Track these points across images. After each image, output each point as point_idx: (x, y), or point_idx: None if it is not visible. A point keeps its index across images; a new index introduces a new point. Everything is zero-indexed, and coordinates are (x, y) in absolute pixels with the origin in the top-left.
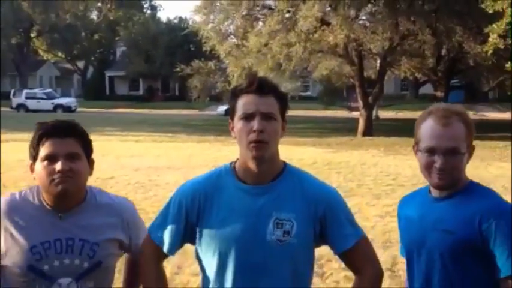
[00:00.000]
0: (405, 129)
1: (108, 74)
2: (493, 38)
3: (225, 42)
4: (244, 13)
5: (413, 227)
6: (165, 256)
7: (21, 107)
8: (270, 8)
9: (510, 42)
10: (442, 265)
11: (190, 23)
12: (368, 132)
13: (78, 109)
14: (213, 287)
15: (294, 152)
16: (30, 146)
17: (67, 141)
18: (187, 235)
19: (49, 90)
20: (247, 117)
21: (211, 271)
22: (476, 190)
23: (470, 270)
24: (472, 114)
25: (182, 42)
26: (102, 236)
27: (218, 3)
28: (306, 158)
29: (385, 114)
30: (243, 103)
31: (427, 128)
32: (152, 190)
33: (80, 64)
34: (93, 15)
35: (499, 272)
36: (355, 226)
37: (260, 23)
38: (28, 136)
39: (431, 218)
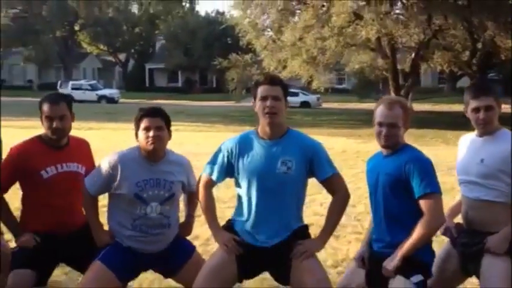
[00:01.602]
0: (438, 121)
1: (148, 66)
2: None
3: (261, 37)
4: (280, 8)
5: (373, 174)
6: (214, 183)
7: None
8: (304, 3)
9: None
10: (386, 194)
11: (228, 16)
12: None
13: (120, 100)
14: (244, 200)
15: (326, 142)
16: (135, 122)
17: (156, 119)
18: (228, 170)
19: (94, 81)
20: (263, 99)
21: (243, 191)
22: (407, 149)
23: (402, 197)
24: (509, 108)
25: (220, 35)
26: (174, 178)
27: None
28: (337, 147)
29: (421, 107)
30: (260, 90)
31: (379, 110)
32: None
33: (121, 56)
34: (134, 9)
35: (415, 195)
36: (332, 165)
37: (295, 18)
38: (74, 124)
39: (381, 167)
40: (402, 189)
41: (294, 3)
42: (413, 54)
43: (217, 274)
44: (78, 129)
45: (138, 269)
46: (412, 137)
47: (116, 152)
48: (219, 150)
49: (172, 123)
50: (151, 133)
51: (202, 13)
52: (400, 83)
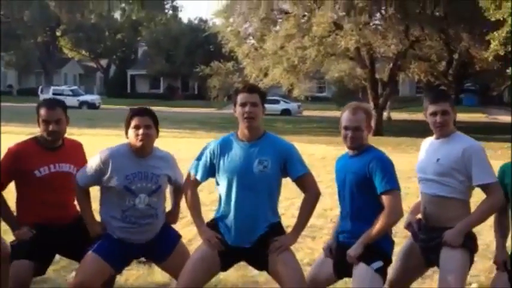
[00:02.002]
0: (415, 130)
1: (130, 72)
2: (494, 45)
3: (243, 45)
4: (261, 17)
5: (341, 173)
6: (199, 183)
7: None
8: (286, 13)
9: (510, 49)
10: (352, 191)
11: (210, 24)
12: (378, 132)
13: (102, 106)
14: (224, 199)
15: (306, 149)
16: (125, 121)
17: (145, 118)
18: (211, 170)
19: (75, 87)
20: (243, 105)
21: (223, 189)
22: (370, 150)
23: (366, 193)
24: (484, 117)
25: (202, 42)
26: (160, 171)
27: (238, 7)
28: (317, 154)
29: (399, 115)
30: (240, 97)
31: (344, 115)
32: None
33: (103, 62)
34: (117, 15)
35: (378, 191)
36: (304, 165)
37: (277, 27)
38: None
39: (348, 167)
40: (366, 186)
41: (275, 12)
42: (391, 64)
43: (201, 266)
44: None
45: (129, 258)
46: (390, 145)
47: (107, 148)
48: (203, 151)
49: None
50: (140, 131)
51: (185, 20)
52: (378, 92)
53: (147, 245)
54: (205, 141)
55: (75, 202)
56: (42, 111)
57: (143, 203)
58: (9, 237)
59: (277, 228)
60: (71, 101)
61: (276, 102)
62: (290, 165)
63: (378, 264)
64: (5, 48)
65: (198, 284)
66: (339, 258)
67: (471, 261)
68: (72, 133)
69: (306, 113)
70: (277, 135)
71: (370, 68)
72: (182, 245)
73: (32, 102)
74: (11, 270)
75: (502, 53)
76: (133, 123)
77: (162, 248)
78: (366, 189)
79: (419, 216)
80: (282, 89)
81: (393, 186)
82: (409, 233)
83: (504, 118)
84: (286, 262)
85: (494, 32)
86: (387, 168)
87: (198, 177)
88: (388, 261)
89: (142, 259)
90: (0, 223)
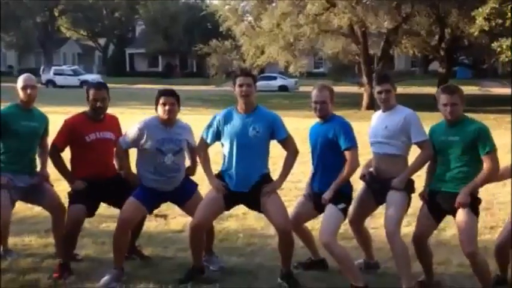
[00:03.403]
0: (408, 103)
1: (128, 51)
2: (479, 21)
3: (240, 23)
4: None
5: (313, 137)
6: (209, 145)
7: (50, 82)
8: None
9: (494, 24)
10: (323, 150)
11: (208, 2)
12: (372, 106)
13: None
14: (227, 156)
15: (301, 123)
16: (155, 99)
17: (170, 97)
18: (217, 135)
19: (75, 67)
20: (240, 86)
21: (227, 149)
22: (334, 118)
23: (333, 151)
24: (477, 89)
25: (200, 21)
26: (182, 137)
27: None
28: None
29: None
30: (238, 80)
31: (313, 92)
32: None
33: (101, 41)
34: None
35: (341, 148)
36: (286, 130)
37: (273, 4)
38: (59, 109)
39: (319, 132)
40: (332, 146)
41: None
42: (383, 40)
43: (211, 205)
44: (66, 114)
45: (158, 202)
46: None
47: (142, 120)
48: (212, 121)
49: (155, 106)
50: (166, 107)
51: None
52: (372, 67)
53: (172, 192)
54: (206, 118)
55: (114, 162)
56: (91, 91)
57: (170, 160)
58: (58, 187)
59: (267, 177)
60: (71, 80)
61: (273, 78)
62: (276, 131)
63: (342, 205)
64: (4, 30)
65: (208, 218)
66: (315, 201)
67: (409, 200)
68: (78, 111)
69: (302, 88)
70: (265, 108)
71: (363, 44)
72: (198, 192)
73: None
74: (68, 212)
75: (486, 28)
76: (161, 101)
77: (184, 194)
78: (333, 148)
79: (371, 169)
80: (279, 66)
81: (352, 144)
82: (362, 182)
83: (497, 90)
84: (274, 202)
85: (479, 8)
86: (347, 130)
87: (208, 140)
88: (349, 202)
89: (160, 213)
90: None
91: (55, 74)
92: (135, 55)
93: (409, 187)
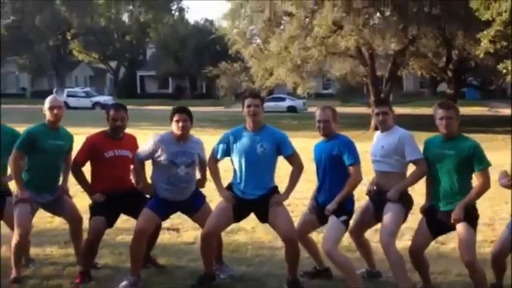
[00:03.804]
0: (417, 124)
1: (139, 73)
2: (484, 43)
3: (249, 46)
4: (266, 19)
5: (318, 154)
6: (218, 160)
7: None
8: (289, 14)
9: (499, 47)
10: (326, 168)
11: (217, 25)
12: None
13: None
14: (238, 172)
15: (310, 143)
16: (170, 116)
17: (183, 114)
18: (227, 151)
19: (88, 89)
20: (248, 106)
21: (236, 165)
22: (338, 136)
23: (337, 167)
24: (486, 111)
25: (209, 43)
26: (194, 151)
27: (243, 11)
28: None
29: (402, 110)
30: (246, 101)
31: (317, 113)
32: None
33: (113, 64)
34: (125, 18)
35: (346, 164)
36: (292, 147)
37: (281, 27)
38: (73, 129)
39: (323, 149)
40: (337, 162)
41: (279, 14)
42: (391, 62)
43: (221, 215)
44: (78, 134)
45: (170, 211)
46: None
47: (158, 135)
48: (222, 138)
49: (165, 127)
50: (180, 124)
51: (192, 21)
52: (379, 88)
53: (183, 202)
54: (215, 138)
55: (131, 177)
56: (111, 112)
57: (183, 172)
58: (78, 202)
59: (274, 190)
60: (84, 102)
61: (282, 99)
62: (282, 148)
63: (344, 217)
64: (18, 53)
65: (218, 227)
66: (319, 213)
67: (406, 214)
68: (90, 131)
69: (311, 109)
70: (274, 127)
71: (370, 66)
72: (207, 203)
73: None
74: (90, 223)
75: (492, 50)
76: (175, 118)
77: (194, 205)
78: (337, 164)
79: (374, 186)
80: (287, 87)
81: (355, 160)
82: (366, 197)
83: (505, 111)
84: (281, 214)
85: (484, 31)
86: (351, 147)
87: (218, 156)
88: (350, 215)
89: (173, 226)
90: None
91: (68, 95)
92: (145, 77)
93: (404, 200)
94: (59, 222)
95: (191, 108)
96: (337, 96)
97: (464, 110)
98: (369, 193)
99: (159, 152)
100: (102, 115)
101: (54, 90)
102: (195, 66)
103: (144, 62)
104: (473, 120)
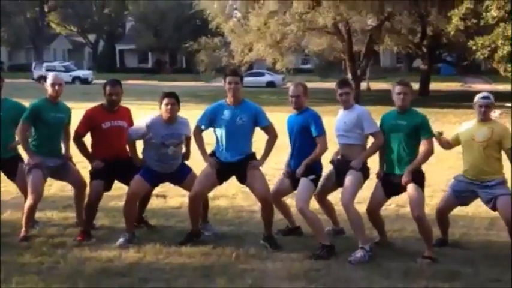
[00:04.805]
0: (391, 99)
1: (118, 47)
2: (455, 21)
3: (229, 21)
4: None
5: (290, 125)
6: (203, 130)
7: (41, 78)
8: None
9: (469, 24)
10: (296, 137)
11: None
12: (356, 101)
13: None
14: (220, 141)
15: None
16: (159, 100)
17: (172, 98)
18: (211, 122)
19: (67, 63)
20: (229, 83)
21: (218, 134)
22: (308, 110)
23: (306, 137)
24: (459, 86)
25: (189, 18)
26: (182, 131)
27: None
28: None
29: (378, 85)
30: (227, 78)
31: (290, 88)
32: None
33: (91, 37)
34: None
35: (313, 135)
36: (267, 119)
37: (261, 2)
38: None
39: (295, 121)
40: (306, 133)
41: None
42: (367, 38)
43: (206, 179)
44: None
45: (159, 181)
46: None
47: (149, 117)
48: (206, 111)
49: (147, 102)
50: (169, 107)
51: None
52: (356, 64)
53: (171, 174)
54: (196, 113)
55: (126, 147)
56: (107, 87)
57: (171, 151)
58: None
59: (252, 156)
60: (63, 76)
61: (261, 74)
62: (259, 120)
63: (312, 176)
64: None
65: (204, 189)
66: (291, 177)
67: (364, 180)
68: (72, 107)
69: (288, 84)
70: (251, 101)
71: (347, 42)
72: (193, 172)
73: (23, 78)
74: (91, 186)
75: (462, 27)
76: (164, 101)
77: (181, 176)
78: (305, 135)
79: (338, 156)
80: (267, 63)
81: (321, 132)
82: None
83: (478, 86)
84: (257, 177)
85: (455, 9)
86: (317, 120)
87: (203, 127)
88: (318, 176)
89: (160, 194)
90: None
91: (47, 70)
92: (125, 51)
93: (364, 170)
94: (56, 190)
95: (171, 83)
96: (316, 71)
97: (439, 86)
98: (332, 162)
99: (151, 135)
100: (82, 89)
101: (33, 64)
102: (175, 40)
103: (123, 36)
104: (446, 96)
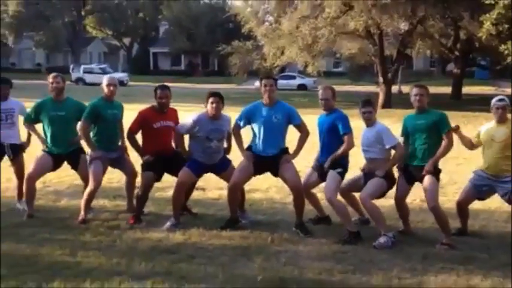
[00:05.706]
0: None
1: (152, 50)
2: (486, 25)
3: (261, 25)
4: None
5: (320, 125)
6: (241, 128)
7: (79, 80)
8: None
9: (501, 29)
10: (326, 134)
11: (229, 4)
12: (387, 105)
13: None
14: (257, 137)
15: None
16: (206, 98)
17: (216, 97)
18: (248, 121)
19: (104, 65)
20: (265, 85)
21: (256, 131)
22: (336, 111)
23: (335, 135)
24: (493, 90)
25: (222, 22)
26: (225, 127)
27: None
28: None
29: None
30: (263, 82)
31: (320, 91)
32: None
33: (126, 41)
34: None
35: (341, 133)
36: (300, 118)
37: (293, 7)
38: None
39: (325, 121)
40: (334, 132)
41: None
42: (399, 42)
43: (243, 170)
44: None
45: (204, 171)
46: (395, 117)
47: (196, 114)
48: (245, 111)
49: (181, 104)
50: (214, 105)
51: None
52: (387, 68)
53: (213, 165)
54: (230, 114)
55: (172, 142)
56: (158, 91)
57: (215, 145)
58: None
59: (285, 150)
60: (100, 78)
61: (293, 78)
62: (292, 118)
63: (339, 169)
64: (35, 29)
65: (241, 179)
66: (320, 171)
67: (388, 186)
68: None
69: (319, 87)
70: (285, 102)
71: (379, 46)
72: (232, 165)
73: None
74: (143, 177)
75: (493, 32)
76: (210, 100)
77: (222, 167)
78: (335, 133)
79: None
80: (298, 66)
81: (348, 130)
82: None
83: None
84: (290, 169)
85: (487, 14)
86: (345, 120)
87: (241, 124)
88: (345, 170)
89: (200, 186)
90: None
91: (85, 72)
92: (158, 54)
93: (388, 177)
94: (104, 182)
95: (203, 86)
96: (348, 74)
97: (472, 90)
98: (363, 170)
99: (197, 129)
100: (120, 91)
101: (71, 66)
102: (208, 43)
103: (157, 39)
104: (479, 99)
